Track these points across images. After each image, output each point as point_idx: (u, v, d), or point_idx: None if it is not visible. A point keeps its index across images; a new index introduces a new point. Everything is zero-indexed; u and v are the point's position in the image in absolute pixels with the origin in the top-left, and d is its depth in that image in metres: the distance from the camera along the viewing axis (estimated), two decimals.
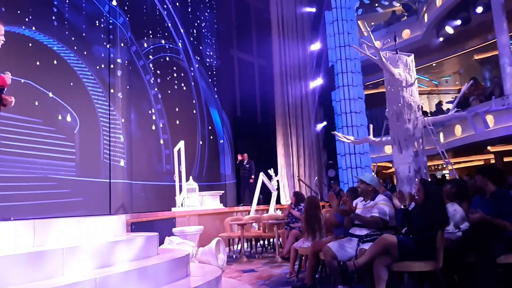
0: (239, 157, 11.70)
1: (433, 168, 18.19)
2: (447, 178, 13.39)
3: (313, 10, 14.40)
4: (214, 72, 12.81)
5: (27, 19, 7.61)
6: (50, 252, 3.06)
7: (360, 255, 3.92)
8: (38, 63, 7.63)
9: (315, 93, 13.86)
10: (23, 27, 7.53)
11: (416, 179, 7.31)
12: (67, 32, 8.35)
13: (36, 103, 7.51)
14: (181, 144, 8.65)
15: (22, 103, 6.97)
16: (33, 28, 7.69)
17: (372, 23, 18.74)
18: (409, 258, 3.60)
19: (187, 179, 8.60)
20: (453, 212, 4.23)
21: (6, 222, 3.35)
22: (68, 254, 3.16)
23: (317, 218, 5.27)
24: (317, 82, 13.84)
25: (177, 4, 11.59)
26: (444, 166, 15.73)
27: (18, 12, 7.49)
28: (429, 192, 3.77)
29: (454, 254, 3.80)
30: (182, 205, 8.38)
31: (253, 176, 11.05)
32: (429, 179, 7.75)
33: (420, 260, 3.57)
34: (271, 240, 8.17)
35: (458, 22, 13.76)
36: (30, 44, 7.58)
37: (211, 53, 12.77)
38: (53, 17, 8.14)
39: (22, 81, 7.16)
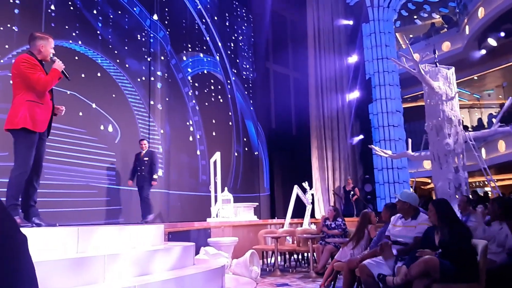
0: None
1: (474, 184, 17.54)
2: (489, 195, 12.88)
3: (350, 22, 14.35)
4: (250, 85, 12.96)
5: (74, 34, 7.99)
6: (92, 258, 3.17)
7: (398, 274, 3.82)
8: (83, 75, 7.97)
9: (352, 106, 13.72)
10: (70, 41, 7.90)
11: (457, 196, 7.08)
12: (110, 46, 8.68)
13: (80, 114, 7.82)
14: (217, 155, 8.76)
15: (67, 113, 7.25)
16: (79, 43, 8.06)
17: (411, 36, 18.45)
18: (450, 280, 3.48)
19: (222, 190, 8.69)
20: (498, 230, 4.08)
21: (52, 228, 3.49)
22: (110, 261, 3.25)
23: (363, 231, 5.41)
24: (354, 95, 13.71)
25: (215, 18, 11.85)
26: (487, 183, 15.15)
27: (66, 27, 7.88)
28: (440, 212, 3.69)
29: (499, 277, 3.64)
30: (217, 216, 8.47)
31: (156, 176, 7.69)
32: (470, 196, 7.48)
33: (462, 282, 3.44)
34: (305, 254, 8.09)
35: (502, 34, 13.35)
36: (76, 58, 7.94)
37: (247, 66, 12.93)
38: (98, 32, 8.50)
39: (68, 92, 7.49)
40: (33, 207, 3.71)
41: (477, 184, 17.83)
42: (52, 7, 7.65)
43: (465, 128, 9.67)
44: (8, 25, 6.95)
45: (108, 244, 3.59)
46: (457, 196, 7.00)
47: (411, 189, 9.40)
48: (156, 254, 3.73)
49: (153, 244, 4.12)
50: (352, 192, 11.85)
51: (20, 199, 3.60)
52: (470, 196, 8.06)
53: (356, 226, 5.70)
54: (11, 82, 3.69)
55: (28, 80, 3.52)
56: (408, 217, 4.24)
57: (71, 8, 8.03)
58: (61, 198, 7.02)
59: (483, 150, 12.85)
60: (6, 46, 6.85)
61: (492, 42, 13.81)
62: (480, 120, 17.45)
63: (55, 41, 7.57)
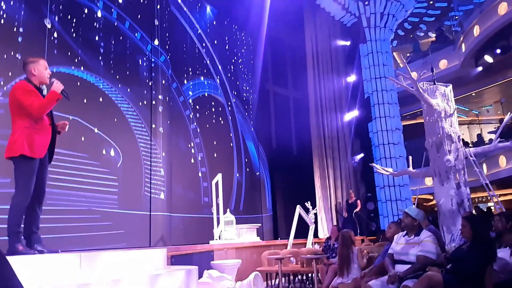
0: None
1: (477, 200, 17.46)
2: (492, 210, 12.83)
3: (348, 43, 14.56)
4: (250, 106, 13.07)
5: (76, 60, 8.12)
6: (95, 284, 3.15)
7: None
8: (85, 100, 8.06)
9: (351, 125, 13.80)
10: (73, 67, 8.03)
11: (460, 212, 7.05)
12: (112, 71, 8.81)
13: (83, 138, 7.88)
14: (218, 177, 8.78)
15: (69, 138, 7.34)
16: (82, 68, 8.19)
17: (408, 54, 18.66)
18: None
19: (225, 212, 8.67)
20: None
21: (54, 254, 3.49)
22: (113, 286, 3.24)
23: (348, 255, 5.25)
24: (353, 114, 13.81)
25: (215, 42, 12.04)
26: (489, 198, 15.09)
27: (69, 53, 8.02)
28: (477, 228, 3.66)
29: None
30: (219, 238, 8.43)
31: None
32: (474, 212, 7.46)
33: None
34: (310, 275, 8.01)
35: (498, 50, 13.50)
36: (79, 83, 8.05)
37: (247, 88, 13.07)
38: (100, 57, 8.64)
39: (70, 118, 7.57)
40: (35, 234, 3.70)
41: (480, 199, 17.75)
42: (55, 34, 7.81)
43: (465, 144, 9.70)
44: (12, 53, 7.08)
45: (111, 269, 3.58)
46: (460, 213, 6.97)
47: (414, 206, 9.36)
48: (159, 278, 3.71)
49: (156, 268, 4.11)
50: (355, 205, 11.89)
51: (22, 225, 3.60)
52: (474, 211, 8.03)
53: (338, 250, 5.44)
54: None
55: (23, 106, 3.54)
56: (412, 234, 4.23)
57: (74, 35, 8.18)
58: (64, 224, 7.02)
59: (484, 166, 12.86)
60: (10, 74, 6.97)
61: (488, 59, 13.96)
62: (479, 135, 17.50)
63: (58, 68, 7.70)
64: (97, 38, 8.65)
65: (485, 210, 14.00)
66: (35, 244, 3.65)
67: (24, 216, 3.64)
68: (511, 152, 11.50)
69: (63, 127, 3.94)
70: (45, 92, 3.83)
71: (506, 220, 4.33)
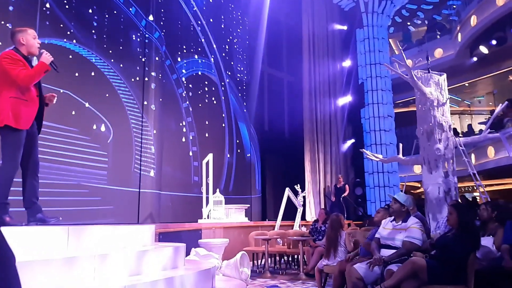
0: None
1: (463, 189, 17.70)
2: (477, 200, 13.02)
3: (345, 28, 14.46)
4: (244, 87, 12.99)
5: (68, 33, 7.97)
6: (82, 258, 3.16)
7: (387, 276, 3.85)
8: (77, 74, 7.95)
9: (344, 110, 13.82)
10: (65, 40, 7.89)
11: (446, 200, 7.15)
12: (105, 46, 8.67)
13: (73, 113, 7.80)
14: (209, 157, 8.78)
15: (60, 112, 7.27)
16: (74, 41, 8.04)
17: (401, 41, 18.60)
18: (438, 282, 3.52)
19: (214, 192, 8.71)
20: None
21: (42, 227, 3.48)
22: (100, 261, 3.25)
23: (336, 238, 5.33)
24: (346, 99, 13.81)
25: (211, 20, 11.88)
26: (475, 188, 15.30)
27: (61, 26, 7.86)
28: (463, 216, 3.71)
29: (488, 279, 3.68)
30: (208, 217, 8.48)
31: None
32: (459, 201, 7.55)
33: (450, 284, 3.49)
34: (296, 256, 8.12)
35: (493, 42, 13.50)
36: (70, 56, 7.92)
37: (241, 68, 12.97)
38: (93, 31, 8.49)
39: (61, 91, 7.47)
40: (35, 204, 3.69)
41: (466, 189, 18.00)
42: (47, 5, 7.63)
43: (456, 133, 9.78)
44: (2, 22, 6.92)
45: (99, 244, 3.59)
46: (447, 201, 7.07)
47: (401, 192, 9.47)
48: (146, 254, 3.73)
49: (143, 245, 4.12)
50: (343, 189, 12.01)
51: (13, 197, 3.57)
52: (459, 200, 8.14)
53: (327, 233, 5.49)
54: None
55: (9, 76, 3.47)
56: (400, 219, 4.27)
57: (66, 6, 8.01)
58: (52, 197, 6.99)
59: (472, 156, 12.99)
60: (0, 43, 6.83)
61: (483, 49, 13.96)
62: (470, 126, 17.63)
63: (49, 40, 7.56)
64: (90, 11, 8.48)
65: (471, 200, 14.21)
66: (37, 214, 3.65)
67: (22, 188, 3.65)
68: (500, 143, 11.62)
69: (51, 99, 3.88)
70: (34, 63, 3.75)
71: (492, 210, 4.40)
